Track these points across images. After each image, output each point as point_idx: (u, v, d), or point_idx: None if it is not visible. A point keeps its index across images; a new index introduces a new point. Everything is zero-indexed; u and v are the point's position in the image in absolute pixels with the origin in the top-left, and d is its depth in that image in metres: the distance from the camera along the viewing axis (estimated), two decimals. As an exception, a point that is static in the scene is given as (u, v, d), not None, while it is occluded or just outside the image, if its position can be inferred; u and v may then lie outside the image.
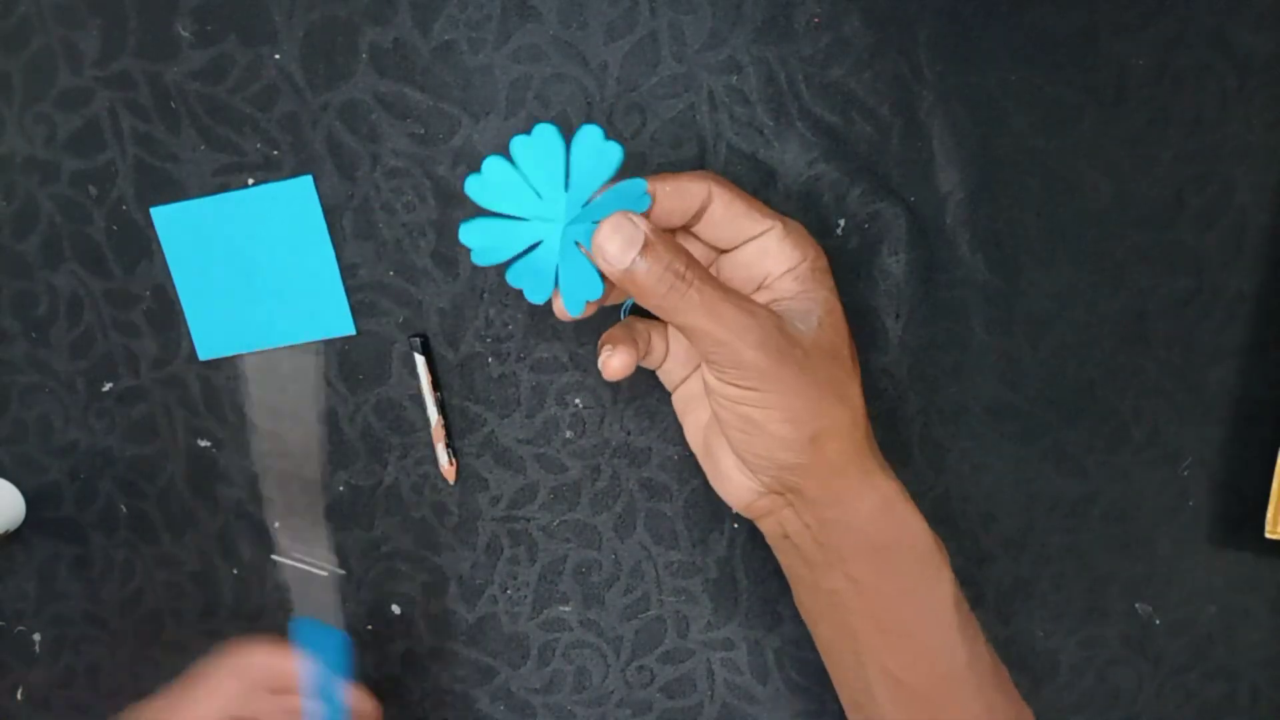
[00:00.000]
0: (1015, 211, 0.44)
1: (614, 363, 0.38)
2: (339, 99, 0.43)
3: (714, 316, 0.34)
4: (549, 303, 0.37)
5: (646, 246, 0.34)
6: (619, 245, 0.34)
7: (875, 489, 0.38)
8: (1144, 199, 0.44)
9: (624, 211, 0.34)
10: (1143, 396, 0.46)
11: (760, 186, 0.43)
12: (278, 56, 0.43)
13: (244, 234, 0.44)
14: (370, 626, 0.48)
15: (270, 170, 0.44)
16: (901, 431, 0.46)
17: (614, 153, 0.34)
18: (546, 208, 0.35)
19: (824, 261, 0.37)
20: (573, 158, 0.34)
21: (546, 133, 0.34)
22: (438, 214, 0.44)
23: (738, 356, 0.34)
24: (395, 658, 0.48)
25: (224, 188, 0.44)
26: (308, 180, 0.44)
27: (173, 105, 0.43)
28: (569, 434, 0.46)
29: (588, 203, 0.35)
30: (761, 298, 0.37)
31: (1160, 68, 0.43)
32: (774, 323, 0.35)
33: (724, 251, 0.38)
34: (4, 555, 0.49)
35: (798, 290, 0.37)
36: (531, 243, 0.36)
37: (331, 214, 0.44)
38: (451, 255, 0.44)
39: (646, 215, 0.34)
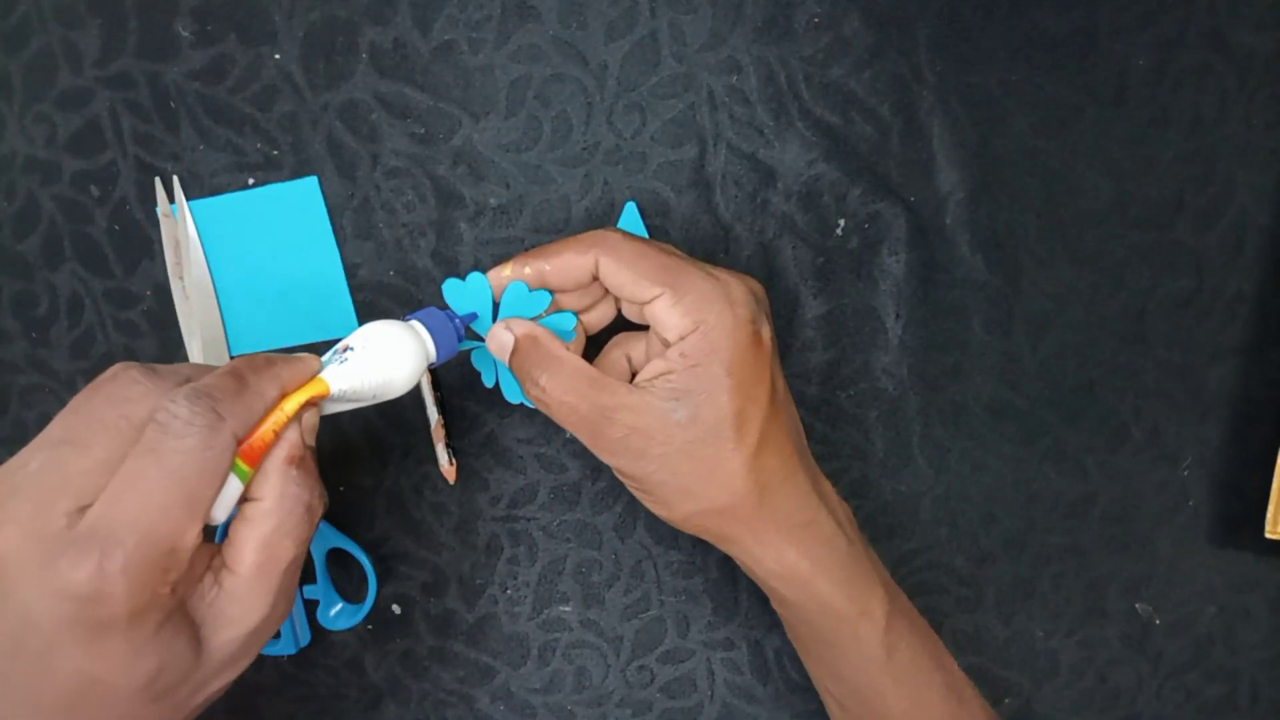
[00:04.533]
0: (1015, 211, 0.44)
1: None
2: (339, 99, 0.43)
3: (574, 426, 0.36)
4: None
5: (513, 354, 0.37)
6: (496, 349, 0.38)
7: (775, 557, 0.37)
8: (1144, 199, 0.44)
9: (503, 320, 0.37)
10: (1143, 396, 0.46)
11: (760, 186, 0.43)
12: (278, 56, 0.43)
13: (248, 234, 0.44)
14: (370, 626, 0.48)
15: (270, 170, 0.44)
16: (901, 431, 0.46)
17: (541, 298, 0.37)
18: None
19: (727, 324, 0.34)
20: (503, 301, 0.38)
21: (478, 281, 0.38)
22: (438, 214, 0.44)
23: (599, 455, 0.37)
24: (395, 658, 0.48)
25: (224, 188, 0.44)
26: (313, 181, 0.44)
27: (172, 105, 0.43)
28: (569, 434, 0.46)
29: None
30: (657, 368, 0.35)
31: (1160, 68, 0.43)
32: (629, 426, 0.35)
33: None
34: (4, 555, 0.49)
35: (683, 366, 0.34)
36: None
37: (332, 214, 0.44)
38: (452, 255, 0.44)
39: (538, 318, 0.38)
